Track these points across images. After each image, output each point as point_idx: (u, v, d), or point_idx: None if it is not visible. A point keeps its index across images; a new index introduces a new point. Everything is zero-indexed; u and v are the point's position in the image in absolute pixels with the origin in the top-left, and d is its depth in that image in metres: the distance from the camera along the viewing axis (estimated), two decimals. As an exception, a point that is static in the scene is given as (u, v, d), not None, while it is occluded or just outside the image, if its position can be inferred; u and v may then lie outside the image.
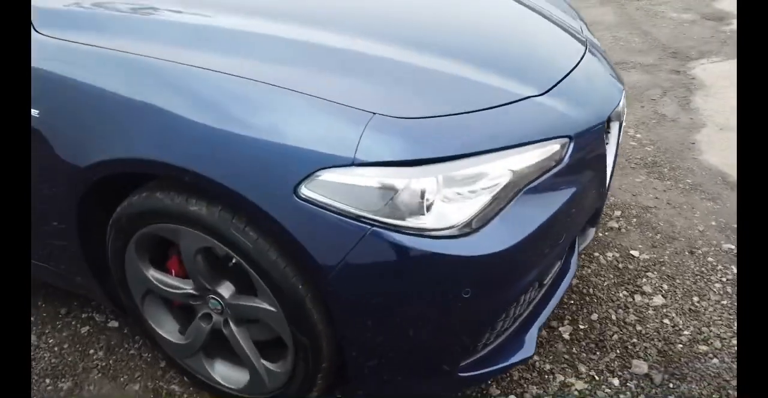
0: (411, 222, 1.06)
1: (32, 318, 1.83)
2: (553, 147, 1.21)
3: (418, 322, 1.14)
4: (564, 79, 1.36)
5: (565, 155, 1.23)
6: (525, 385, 1.49)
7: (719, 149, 2.58)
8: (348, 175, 1.04)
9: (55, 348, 1.73)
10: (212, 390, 1.48)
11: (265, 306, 1.22)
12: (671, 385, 1.48)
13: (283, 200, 1.06)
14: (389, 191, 1.05)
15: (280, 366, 1.33)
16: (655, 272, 1.87)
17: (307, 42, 1.28)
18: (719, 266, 1.88)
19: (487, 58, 1.36)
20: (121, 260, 1.37)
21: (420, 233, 1.06)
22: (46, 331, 1.78)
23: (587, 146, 1.32)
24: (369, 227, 1.05)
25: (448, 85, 1.24)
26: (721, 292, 1.78)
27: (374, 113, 1.08)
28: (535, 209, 1.20)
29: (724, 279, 1.83)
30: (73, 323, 1.81)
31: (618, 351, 1.58)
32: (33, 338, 1.76)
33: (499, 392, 1.47)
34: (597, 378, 1.51)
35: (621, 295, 1.77)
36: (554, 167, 1.21)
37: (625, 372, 1.52)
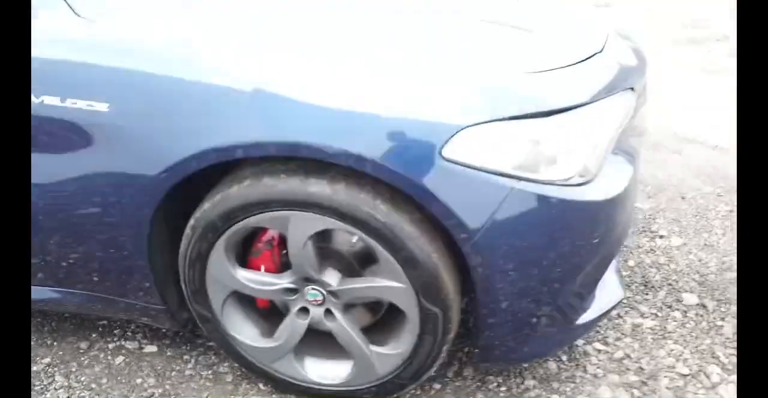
0: (549, 174, 1.08)
1: (48, 359, 1.59)
2: (630, 96, 1.30)
3: (553, 275, 1.16)
4: (607, 41, 1.46)
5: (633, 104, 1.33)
6: (602, 331, 1.57)
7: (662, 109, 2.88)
8: (489, 132, 1.05)
9: (93, 386, 1.51)
10: (301, 391, 1.39)
11: (391, 283, 1.17)
12: (723, 309, 1.64)
13: (429, 164, 1.03)
14: (529, 144, 1.07)
15: (392, 347, 1.28)
16: (662, 218, 2.05)
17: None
18: (710, 206, 2.12)
19: (546, 26, 1.44)
20: (203, 265, 1.24)
21: (559, 183, 1.09)
22: (73, 370, 1.56)
23: (638, 97, 1.43)
24: (513, 182, 1.06)
25: (537, 44, 1.31)
26: (722, 227, 2.00)
27: (505, 70, 1.12)
28: (624, 154, 1.28)
29: (719, 216, 2.06)
30: (102, 356, 1.60)
31: (666, 289, 1.72)
32: (60, 378, 1.53)
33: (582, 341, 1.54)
34: (659, 314, 1.63)
35: (644, 241, 1.93)
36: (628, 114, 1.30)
37: (681, 305, 1.66)
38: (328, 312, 1.28)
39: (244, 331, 1.36)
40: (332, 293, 1.25)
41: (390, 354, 1.29)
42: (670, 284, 1.74)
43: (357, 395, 1.36)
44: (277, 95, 1.07)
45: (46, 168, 1.16)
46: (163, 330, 1.66)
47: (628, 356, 1.51)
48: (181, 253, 1.25)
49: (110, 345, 1.63)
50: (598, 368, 1.49)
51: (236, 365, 1.49)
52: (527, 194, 1.07)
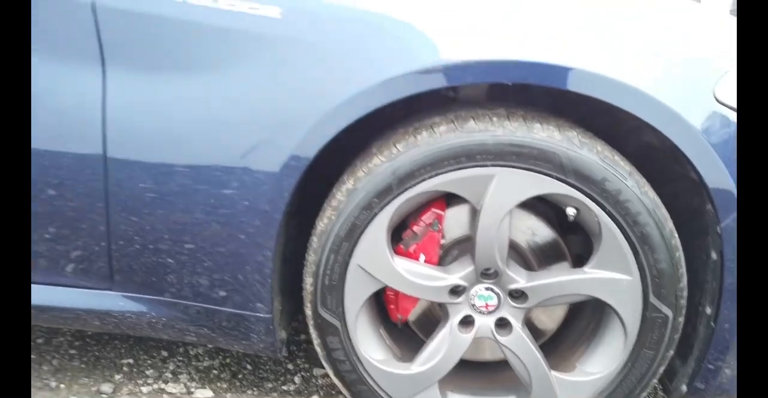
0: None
1: (56, 405, 1.12)
2: None
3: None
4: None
5: None
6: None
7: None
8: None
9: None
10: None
11: (613, 274, 0.90)
12: None
13: (702, 107, 0.83)
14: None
15: (583, 372, 0.97)
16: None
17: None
18: None
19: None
20: (350, 248, 0.92)
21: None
22: (95, 421, 1.10)
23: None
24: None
25: None
26: None
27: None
28: None
29: None
30: (135, 402, 1.15)
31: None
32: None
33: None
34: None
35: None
36: None
37: None
38: (500, 322, 0.97)
39: (377, 352, 1.00)
40: (515, 294, 0.95)
41: (580, 381, 0.97)
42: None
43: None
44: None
45: (164, 98, 0.86)
46: (214, 371, 1.24)
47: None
48: (320, 231, 0.93)
49: (144, 389, 1.19)
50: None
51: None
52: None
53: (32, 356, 1.25)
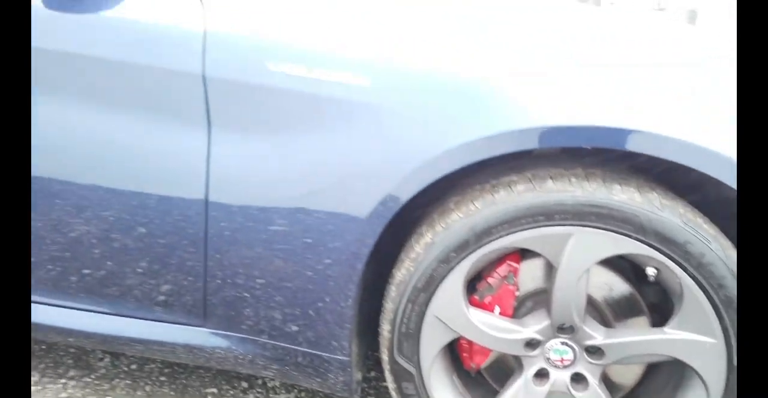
0: None
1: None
2: None
3: None
4: None
5: None
6: None
7: None
8: None
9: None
10: None
11: (695, 337, 0.89)
12: None
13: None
14: None
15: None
16: None
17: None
18: None
19: None
20: (428, 298, 0.95)
21: None
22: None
23: None
24: None
25: None
26: None
27: None
28: None
29: None
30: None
31: None
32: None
33: None
34: None
35: None
36: None
37: None
38: (575, 377, 0.97)
39: (450, 404, 1.03)
40: (592, 350, 0.95)
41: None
42: None
43: None
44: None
45: (265, 154, 0.94)
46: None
47: None
48: (399, 281, 0.97)
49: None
50: None
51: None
52: None
53: (126, 381, 1.36)
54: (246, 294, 1.02)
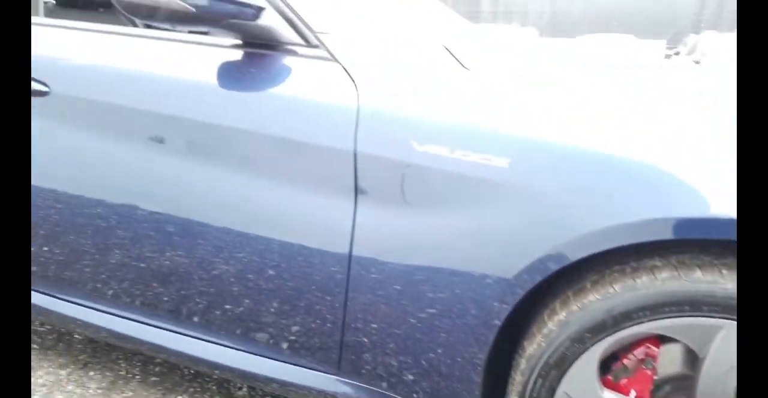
0: None
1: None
2: None
3: None
4: None
5: None
6: None
7: None
8: None
9: None
10: None
11: None
12: None
13: None
14: None
15: None
16: None
17: None
18: None
19: None
20: (559, 375, 0.95)
21: None
22: None
23: None
24: None
25: None
26: None
27: None
28: None
29: None
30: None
31: None
32: None
33: None
34: None
35: None
36: None
37: None
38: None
39: None
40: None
41: None
42: None
43: None
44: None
45: (414, 224, 1.01)
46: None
47: None
48: (529, 354, 0.98)
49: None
50: None
51: None
52: None
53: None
54: (383, 352, 1.08)
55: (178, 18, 1.02)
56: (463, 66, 1.05)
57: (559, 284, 0.98)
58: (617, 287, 0.91)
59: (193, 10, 1.00)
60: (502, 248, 0.95)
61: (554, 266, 0.91)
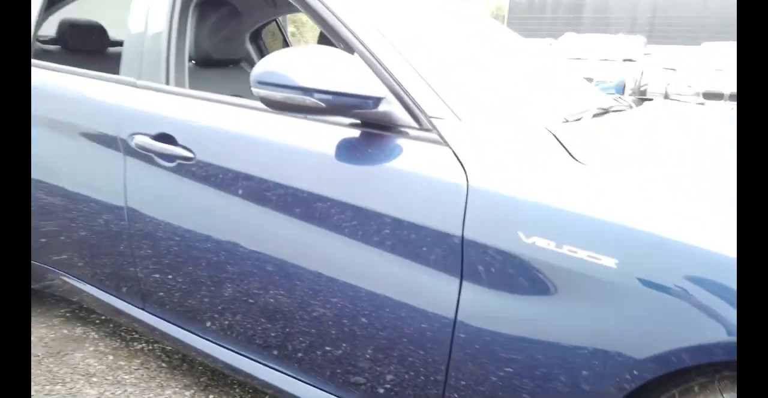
0: None
1: None
2: None
3: None
4: None
5: None
6: None
7: None
8: None
9: None
10: None
11: None
12: None
13: None
14: None
15: None
16: None
17: None
18: None
19: None
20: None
21: None
22: None
23: None
24: None
25: None
26: None
27: None
28: None
29: None
30: None
31: None
32: None
33: None
34: None
35: None
36: None
37: None
38: None
39: None
40: None
41: None
42: None
43: None
44: None
45: (513, 308, 1.05)
46: None
47: None
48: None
49: None
50: None
51: None
52: None
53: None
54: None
55: (310, 111, 1.13)
56: (575, 158, 1.07)
57: (664, 382, 0.99)
58: (726, 395, 0.90)
59: (323, 105, 1.10)
60: (606, 348, 0.97)
61: (660, 372, 0.92)
